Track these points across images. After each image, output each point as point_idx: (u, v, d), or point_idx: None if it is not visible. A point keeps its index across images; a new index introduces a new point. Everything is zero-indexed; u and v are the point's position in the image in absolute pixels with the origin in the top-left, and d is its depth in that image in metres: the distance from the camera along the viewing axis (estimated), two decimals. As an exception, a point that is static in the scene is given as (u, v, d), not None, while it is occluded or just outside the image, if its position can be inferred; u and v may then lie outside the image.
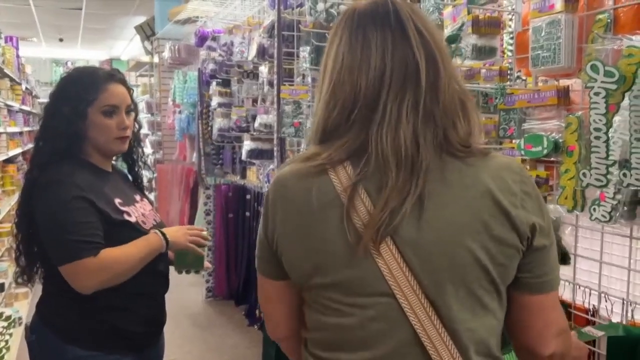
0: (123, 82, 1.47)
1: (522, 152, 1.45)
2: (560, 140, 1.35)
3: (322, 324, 0.82)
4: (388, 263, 0.75)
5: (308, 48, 2.47)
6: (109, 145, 1.44)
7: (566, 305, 1.44)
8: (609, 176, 1.13)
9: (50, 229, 1.33)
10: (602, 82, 1.08)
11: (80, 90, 1.40)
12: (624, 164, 1.12)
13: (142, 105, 7.68)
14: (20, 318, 3.65)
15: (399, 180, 0.74)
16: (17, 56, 5.58)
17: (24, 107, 5.85)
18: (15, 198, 4.33)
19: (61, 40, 9.74)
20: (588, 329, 1.21)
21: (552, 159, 1.42)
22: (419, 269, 0.75)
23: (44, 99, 8.76)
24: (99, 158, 1.46)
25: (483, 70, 1.63)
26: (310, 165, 0.80)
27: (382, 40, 0.78)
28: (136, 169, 1.64)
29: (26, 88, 6.21)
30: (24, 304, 4.07)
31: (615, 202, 1.19)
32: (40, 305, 1.44)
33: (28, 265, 1.45)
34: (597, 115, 1.11)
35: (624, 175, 1.11)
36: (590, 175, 1.15)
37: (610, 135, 1.15)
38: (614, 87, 1.06)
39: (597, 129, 1.12)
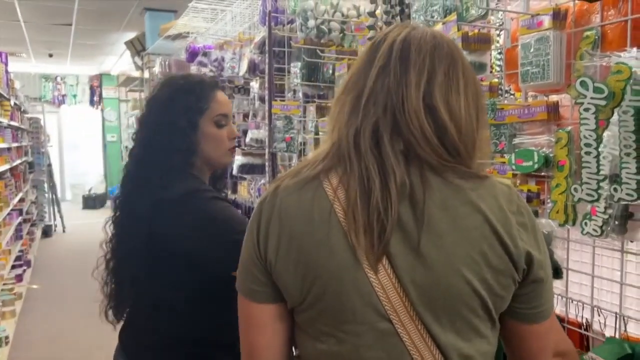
0: (224, 89, 1.38)
1: (513, 167, 1.46)
2: (551, 155, 1.36)
3: (318, 351, 0.80)
4: (386, 289, 0.74)
5: (299, 64, 2.48)
6: (221, 159, 1.33)
7: (559, 320, 1.44)
8: (600, 191, 1.14)
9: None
10: (591, 98, 1.09)
11: (194, 100, 1.27)
12: (615, 178, 1.13)
13: (132, 121, 7.67)
14: (7, 337, 3.59)
15: (379, 195, 0.74)
16: (6, 72, 5.55)
17: (13, 123, 5.81)
18: (3, 214, 4.28)
19: (51, 55, 9.70)
20: (589, 355, 1.20)
21: (542, 173, 1.42)
22: (416, 297, 0.74)
23: (33, 115, 8.71)
24: (206, 174, 1.34)
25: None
26: (304, 177, 0.80)
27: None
28: (220, 185, 1.50)
29: (15, 104, 6.17)
30: (10, 323, 4.01)
31: (606, 217, 1.19)
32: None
33: (120, 304, 1.28)
34: (588, 131, 1.12)
35: (615, 190, 1.12)
36: (582, 190, 1.16)
37: (600, 150, 1.16)
38: (603, 103, 1.07)
39: (588, 144, 1.13)
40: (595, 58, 1.15)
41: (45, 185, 8.52)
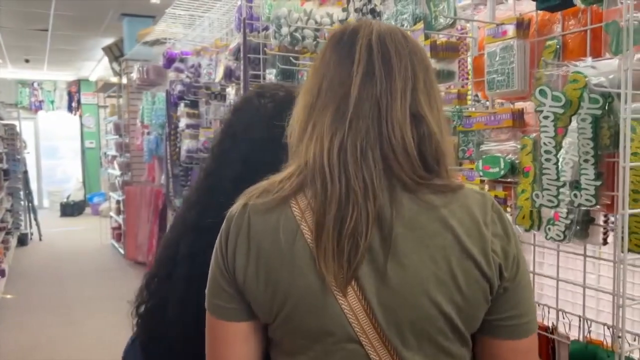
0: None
1: (481, 173, 1.48)
2: (517, 162, 1.38)
3: None
4: (355, 312, 0.72)
5: (274, 71, 2.49)
6: None
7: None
8: (559, 197, 1.16)
9: None
10: (550, 106, 1.11)
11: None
12: (575, 184, 1.16)
13: (110, 127, 7.59)
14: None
15: (357, 219, 0.71)
16: (-20, 78, 5.46)
17: (-13, 130, 5.70)
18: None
19: (27, 61, 9.56)
20: None
21: (509, 179, 1.45)
22: (383, 320, 0.72)
23: (8, 121, 8.54)
24: None
25: (442, 94, 1.67)
26: (272, 199, 0.77)
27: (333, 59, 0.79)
28: None
29: (-11, 110, 6.06)
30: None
31: (568, 222, 1.22)
32: None
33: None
34: (547, 138, 1.14)
35: (575, 195, 1.14)
36: (543, 196, 1.19)
37: (562, 157, 1.19)
38: (561, 111, 1.10)
39: (548, 152, 1.16)
40: (550, 67, 1.18)
41: (21, 192, 8.37)
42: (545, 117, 1.13)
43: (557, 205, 1.16)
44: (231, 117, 1.29)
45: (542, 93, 1.12)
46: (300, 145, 0.78)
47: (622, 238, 0.91)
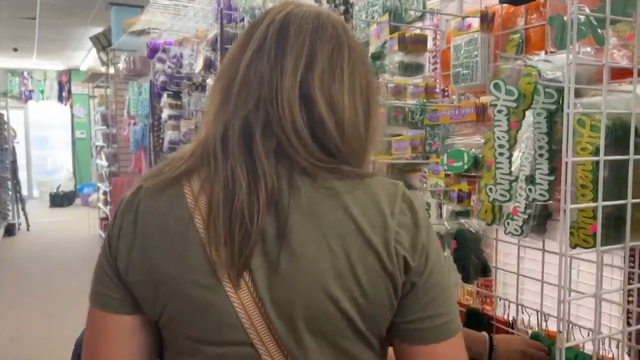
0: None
1: (445, 167, 1.48)
2: (480, 156, 1.38)
3: None
4: (247, 309, 0.66)
5: (251, 62, 2.47)
6: None
7: (488, 317, 1.47)
8: (511, 191, 1.16)
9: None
10: (504, 100, 1.11)
11: None
12: (530, 179, 1.16)
13: (98, 117, 7.54)
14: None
15: (246, 201, 0.65)
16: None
17: (-29, 119, 5.65)
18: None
19: (15, 50, 9.47)
20: None
21: (472, 174, 1.45)
22: (275, 316, 0.66)
23: (-4, 110, 8.50)
24: None
25: (410, 87, 1.66)
26: (163, 179, 0.70)
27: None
28: None
29: (-26, 99, 6.00)
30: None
31: (526, 216, 1.22)
32: None
33: None
34: (501, 132, 1.14)
35: (530, 190, 1.14)
36: (496, 190, 1.18)
37: (522, 151, 1.19)
38: (514, 105, 1.10)
39: (501, 145, 1.15)
40: (502, 61, 1.17)
41: (9, 182, 8.32)
42: (499, 111, 1.12)
43: (509, 200, 1.16)
44: None
45: (496, 87, 1.11)
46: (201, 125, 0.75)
47: (565, 232, 0.91)
